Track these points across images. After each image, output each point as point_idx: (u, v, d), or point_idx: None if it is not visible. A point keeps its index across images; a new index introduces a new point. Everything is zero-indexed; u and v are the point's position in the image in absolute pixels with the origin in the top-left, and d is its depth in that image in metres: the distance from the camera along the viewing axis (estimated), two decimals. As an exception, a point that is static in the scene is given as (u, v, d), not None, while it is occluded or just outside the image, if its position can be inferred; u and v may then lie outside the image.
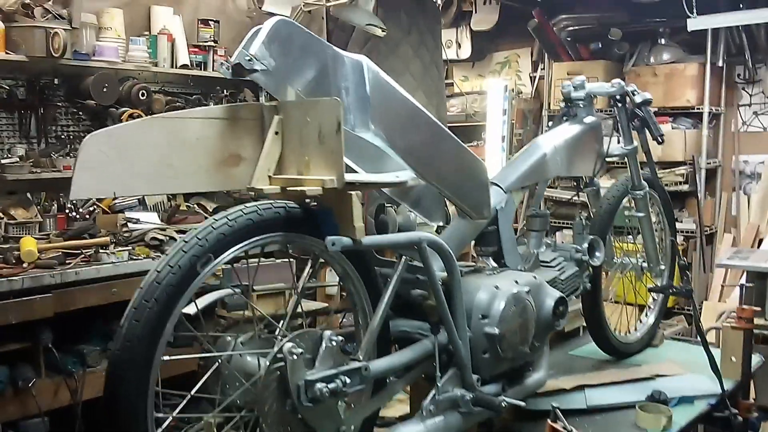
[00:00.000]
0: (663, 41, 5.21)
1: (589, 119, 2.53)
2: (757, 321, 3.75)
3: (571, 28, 5.59)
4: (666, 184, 4.27)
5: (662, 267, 2.87)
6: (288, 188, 1.54)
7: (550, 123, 5.43)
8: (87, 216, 3.88)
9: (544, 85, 5.97)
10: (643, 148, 2.58)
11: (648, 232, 2.78)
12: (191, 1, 4.63)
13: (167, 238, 3.79)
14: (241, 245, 1.47)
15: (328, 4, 4.48)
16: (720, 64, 5.01)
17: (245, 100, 4.80)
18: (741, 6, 4.77)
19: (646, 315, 3.01)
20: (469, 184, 1.90)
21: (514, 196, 2.20)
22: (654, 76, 5.01)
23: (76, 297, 3.20)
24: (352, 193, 1.53)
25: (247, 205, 1.51)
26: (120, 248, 3.58)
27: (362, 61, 1.65)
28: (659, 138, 2.49)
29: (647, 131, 2.53)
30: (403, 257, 1.70)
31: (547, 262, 2.32)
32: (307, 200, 1.59)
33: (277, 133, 1.63)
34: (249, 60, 1.50)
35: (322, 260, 1.69)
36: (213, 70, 4.55)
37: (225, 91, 4.67)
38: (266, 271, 3.74)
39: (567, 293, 2.26)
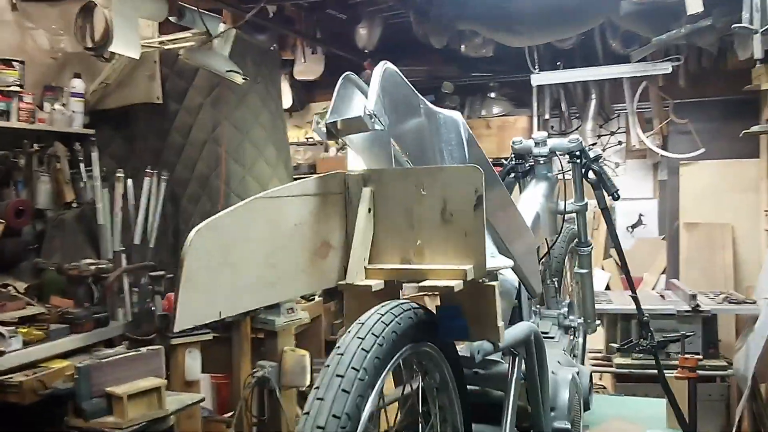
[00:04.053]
0: (492, 95, 5.42)
1: (550, 176, 2.43)
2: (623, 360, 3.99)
3: (401, 80, 5.58)
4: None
5: (598, 322, 2.85)
6: (420, 284, 1.17)
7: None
8: None
9: (373, 137, 5.86)
10: (600, 204, 2.54)
11: (589, 288, 2.73)
12: (-18, 38, 3.80)
13: (-9, 333, 2.97)
14: (387, 369, 1.07)
15: (170, 47, 3.93)
16: (546, 116, 5.33)
17: (57, 156, 4.03)
18: (559, 65, 5.15)
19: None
20: (532, 258, 1.65)
21: (527, 265, 1.99)
22: (488, 128, 5.17)
23: None
24: (494, 284, 1.21)
25: (380, 310, 1.11)
26: (-69, 353, 2.73)
27: (457, 117, 1.35)
28: (615, 194, 2.47)
29: (602, 187, 2.49)
30: (518, 356, 1.39)
31: (547, 333, 2.14)
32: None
33: (369, 209, 1.25)
34: (371, 118, 1.12)
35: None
36: (18, 120, 3.75)
37: (34, 145, 3.87)
38: (130, 365, 3.13)
39: (572, 366, 2.09)
